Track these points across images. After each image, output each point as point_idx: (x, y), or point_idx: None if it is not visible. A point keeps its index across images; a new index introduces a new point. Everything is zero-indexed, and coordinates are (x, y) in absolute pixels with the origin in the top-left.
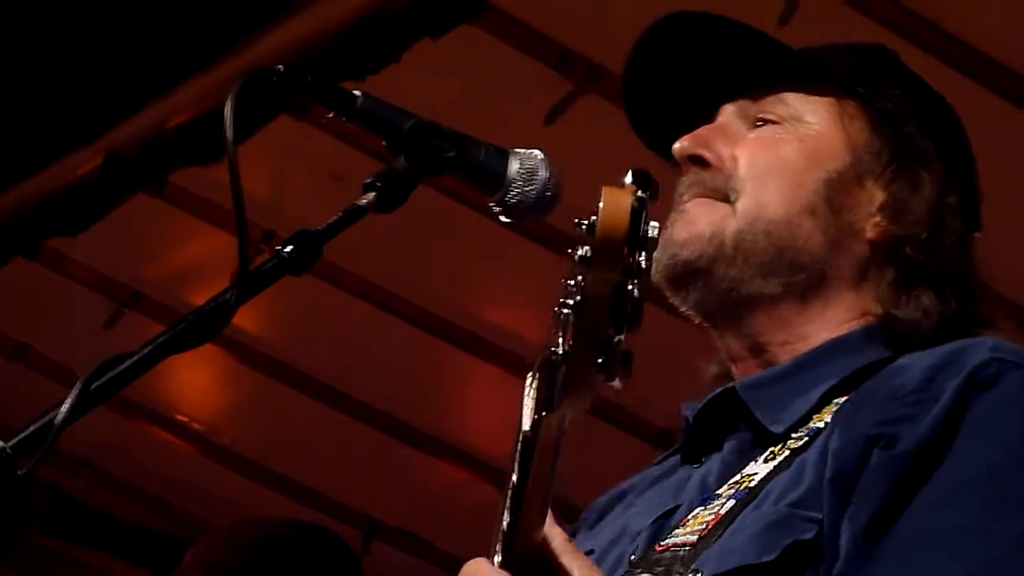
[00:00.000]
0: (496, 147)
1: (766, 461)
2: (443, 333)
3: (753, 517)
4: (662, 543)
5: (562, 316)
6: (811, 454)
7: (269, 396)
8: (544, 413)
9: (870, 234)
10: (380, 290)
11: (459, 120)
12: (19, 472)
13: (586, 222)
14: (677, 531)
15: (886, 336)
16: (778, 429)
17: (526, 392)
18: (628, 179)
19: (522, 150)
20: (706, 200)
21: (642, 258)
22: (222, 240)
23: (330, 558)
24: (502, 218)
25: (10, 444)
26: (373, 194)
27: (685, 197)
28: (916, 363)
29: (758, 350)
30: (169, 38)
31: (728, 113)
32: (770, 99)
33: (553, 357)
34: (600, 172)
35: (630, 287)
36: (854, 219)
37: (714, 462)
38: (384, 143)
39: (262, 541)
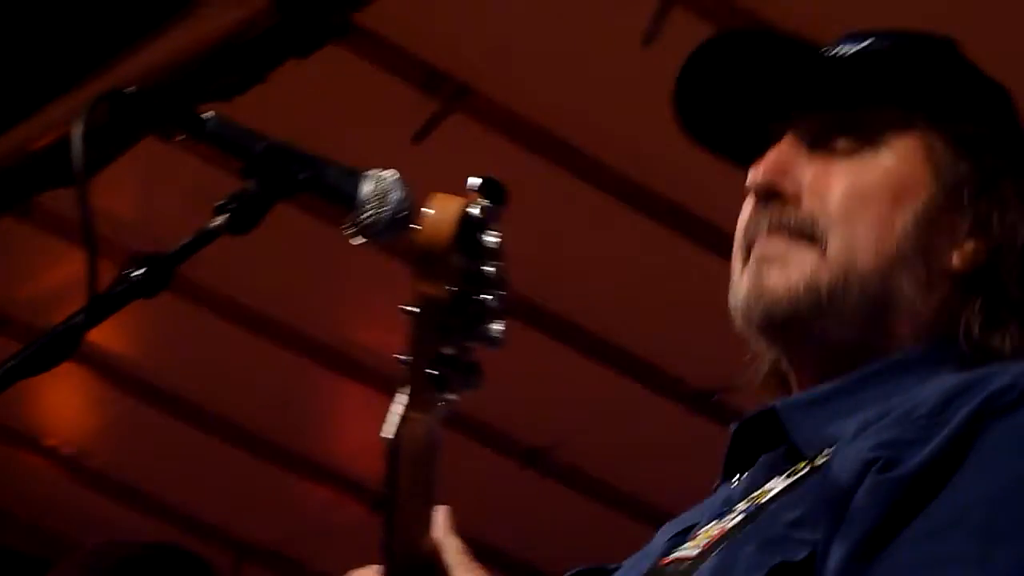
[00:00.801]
0: (349, 168)
1: (787, 477)
2: (314, 353)
3: (751, 535)
4: (669, 556)
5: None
6: (821, 472)
7: (140, 418)
8: (401, 424)
9: (957, 267)
10: (250, 311)
11: (326, 141)
12: None
13: (416, 227)
14: (686, 544)
15: (958, 360)
16: (811, 452)
17: (395, 399)
18: (472, 185)
19: (375, 171)
20: (791, 243)
21: (488, 268)
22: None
23: None
24: (355, 239)
25: None
26: (225, 216)
27: (766, 233)
28: (939, 385)
29: (828, 379)
30: (34, 59)
31: (798, 135)
32: (845, 123)
33: (402, 365)
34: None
35: (459, 294)
36: (943, 256)
37: (745, 478)
38: (237, 165)
39: (117, 564)
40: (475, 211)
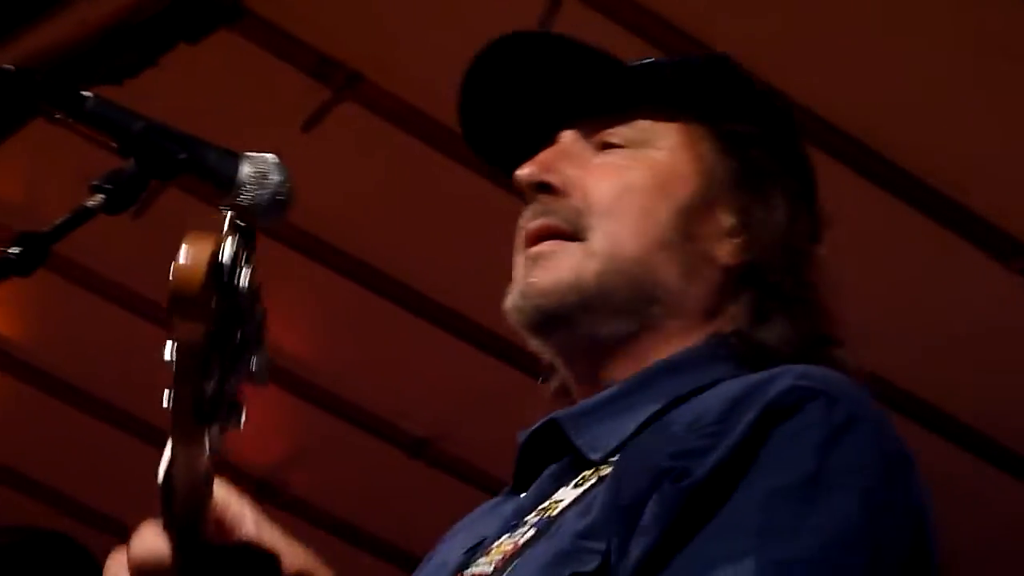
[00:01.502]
0: (228, 151)
1: (575, 487)
2: None
3: (543, 548)
4: (464, 572)
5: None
6: (608, 480)
7: (23, 401)
8: (170, 462)
9: (724, 260)
10: (133, 293)
11: (216, 126)
12: None
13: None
14: (480, 560)
15: (735, 356)
16: (595, 456)
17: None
18: (225, 224)
19: (255, 154)
20: (558, 243)
21: (238, 303)
22: None
23: (63, 562)
24: (237, 221)
25: None
26: (102, 196)
27: (533, 228)
28: (724, 391)
29: (607, 380)
30: None
31: (572, 136)
32: (617, 122)
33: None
34: (356, 179)
35: (216, 333)
36: (707, 247)
37: (533, 489)
38: (114, 145)
39: None
40: (227, 250)
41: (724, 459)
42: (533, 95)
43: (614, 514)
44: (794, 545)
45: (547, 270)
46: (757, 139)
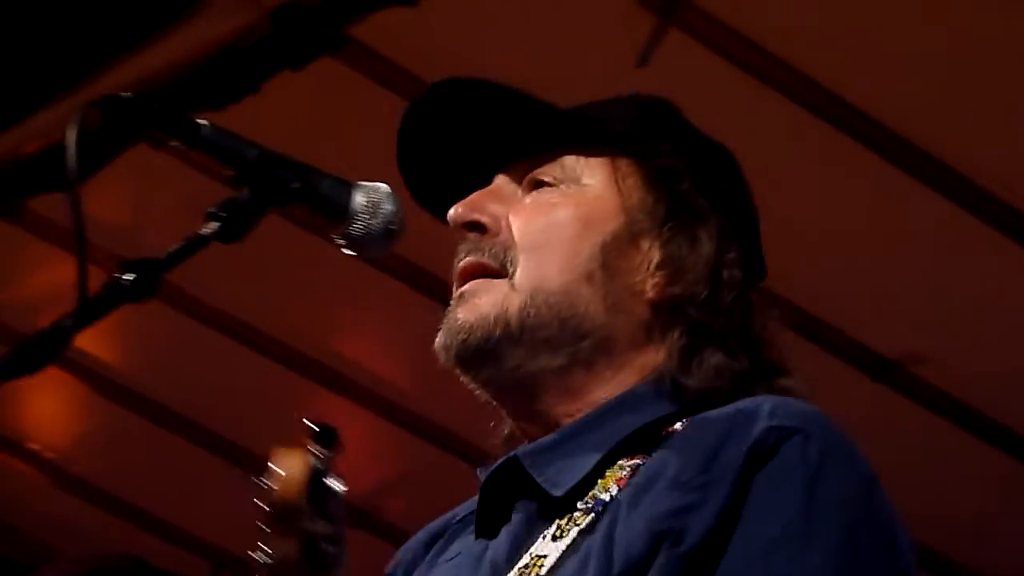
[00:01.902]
0: (341, 179)
1: (554, 539)
2: (297, 365)
3: None
4: None
5: (258, 565)
6: (596, 539)
7: (123, 426)
8: None
9: (650, 294)
10: (236, 321)
11: (317, 152)
12: None
13: (263, 483)
14: None
15: (675, 392)
16: (558, 493)
17: None
18: (308, 431)
19: (367, 183)
20: (484, 280)
21: (329, 511)
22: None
23: None
24: (345, 250)
25: None
26: (216, 224)
27: (461, 266)
28: (698, 438)
29: (548, 422)
30: (27, 64)
31: (503, 178)
32: (547, 161)
33: None
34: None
35: (315, 538)
36: (632, 281)
37: (503, 537)
38: (229, 173)
39: None
40: (319, 463)
41: (717, 516)
42: (469, 140)
43: None
44: None
45: (471, 307)
46: (685, 175)
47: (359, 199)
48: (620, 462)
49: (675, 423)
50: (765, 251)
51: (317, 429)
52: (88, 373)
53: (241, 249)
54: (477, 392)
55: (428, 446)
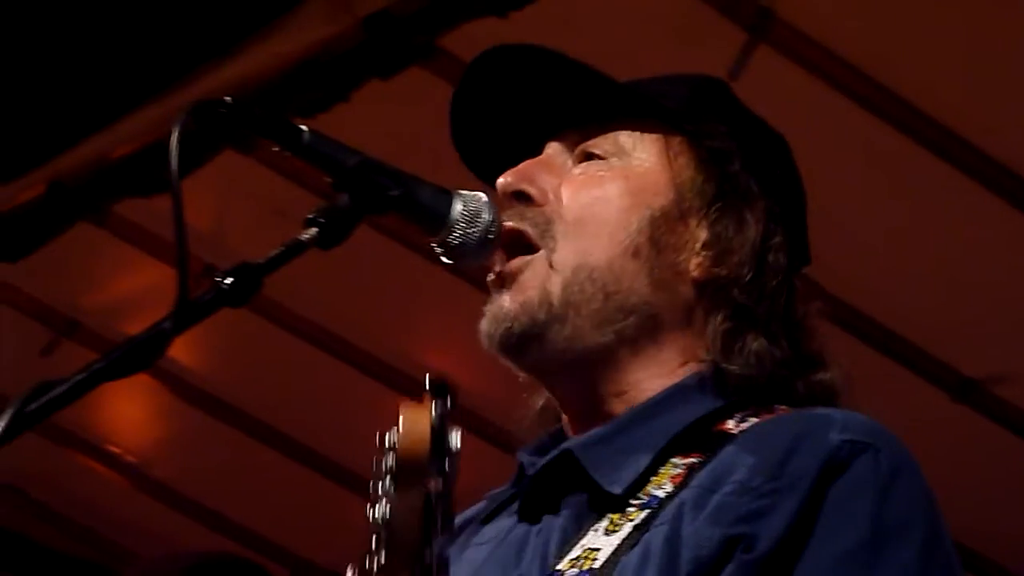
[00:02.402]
0: (441, 188)
1: (607, 533)
2: (380, 375)
3: None
4: None
5: (374, 524)
6: (656, 537)
7: (203, 431)
8: None
9: (695, 273)
10: (319, 328)
11: (406, 161)
12: None
13: (387, 439)
14: None
15: (718, 384)
16: (616, 490)
17: None
18: (427, 389)
19: (467, 192)
20: (523, 260)
21: (447, 467)
22: (163, 272)
23: None
24: (443, 259)
25: None
26: (315, 230)
27: (503, 231)
28: (765, 443)
29: (595, 402)
30: (117, 68)
31: (555, 147)
32: (599, 134)
33: (368, 569)
34: None
35: (435, 497)
36: (678, 259)
37: (552, 527)
38: (328, 179)
39: (187, 572)
40: (440, 418)
41: (789, 525)
42: (522, 107)
43: None
44: None
45: (514, 292)
46: (737, 157)
47: (458, 208)
48: (673, 459)
49: (726, 420)
50: (848, 267)
51: (436, 385)
52: (170, 377)
53: (325, 255)
54: (522, 378)
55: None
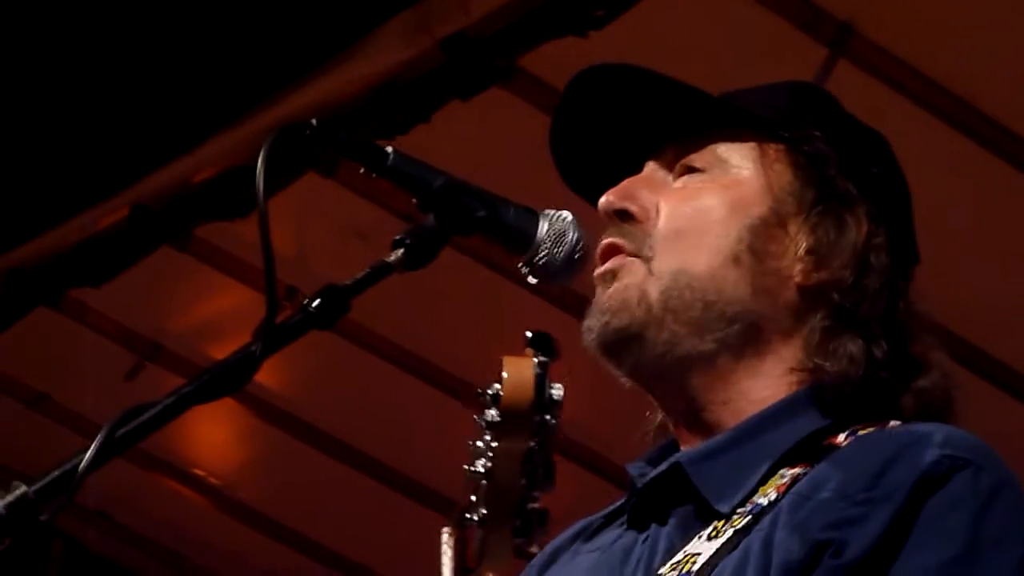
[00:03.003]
0: (526, 208)
1: (710, 539)
2: (462, 394)
3: None
4: None
5: (474, 479)
6: (754, 541)
7: (286, 452)
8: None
9: (797, 279)
10: (399, 349)
11: (487, 183)
12: (41, 518)
13: (490, 391)
14: None
15: (819, 395)
16: (724, 508)
17: (443, 549)
18: (528, 342)
19: (552, 211)
20: (623, 256)
21: (548, 418)
22: (245, 296)
23: None
24: (530, 279)
25: (33, 489)
26: (401, 251)
27: (601, 247)
28: (865, 454)
29: (697, 410)
30: (198, 92)
31: (654, 165)
32: (696, 147)
33: (469, 520)
34: None
35: (537, 446)
36: (780, 265)
37: (659, 536)
38: (414, 200)
39: None
40: (542, 369)
41: (881, 534)
42: (620, 126)
43: None
44: None
45: (615, 289)
46: (834, 160)
47: (544, 227)
48: (781, 471)
49: (837, 435)
50: (931, 285)
51: (537, 337)
52: (252, 399)
53: (407, 276)
54: (627, 383)
55: (593, 476)
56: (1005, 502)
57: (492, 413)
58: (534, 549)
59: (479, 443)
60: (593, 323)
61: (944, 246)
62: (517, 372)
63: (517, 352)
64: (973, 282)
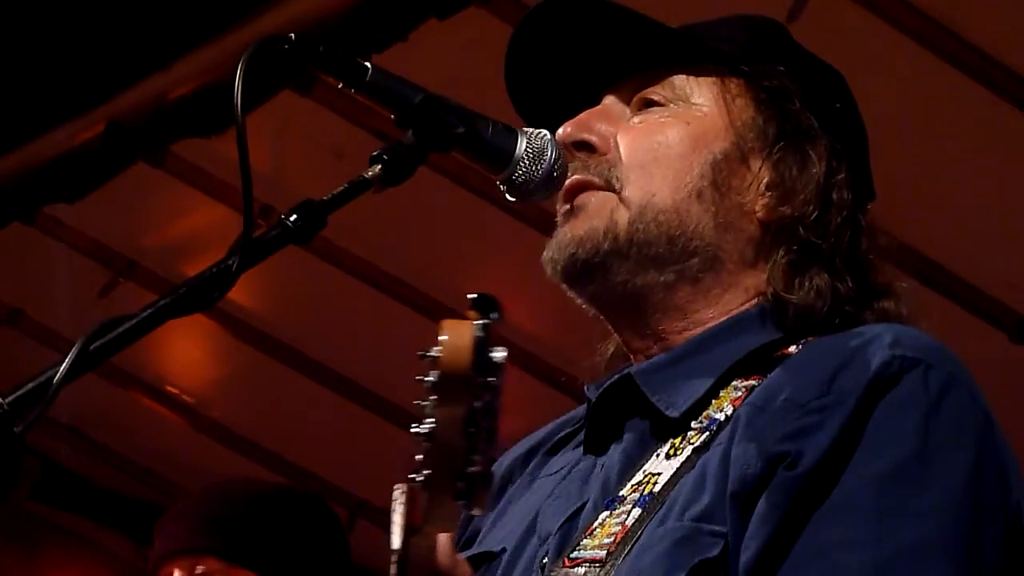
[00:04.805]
0: (506, 126)
1: (668, 457)
2: (436, 314)
3: (660, 534)
4: (571, 556)
5: (418, 440)
6: (712, 457)
7: (260, 371)
8: (411, 535)
9: (760, 214)
10: (376, 270)
11: (463, 102)
12: (15, 430)
13: (431, 354)
14: (585, 541)
15: (780, 316)
16: (674, 414)
17: (394, 508)
18: (470, 304)
19: (530, 129)
20: (592, 193)
21: (491, 380)
22: (220, 213)
23: (317, 520)
24: (508, 196)
25: (7, 400)
26: (379, 167)
27: (568, 183)
28: (817, 360)
29: (655, 339)
30: (173, 9)
31: (612, 98)
32: (656, 81)
33: (415, 482)
34: None
35: (479, 410)
36: (743, 200)
37: (615, 454)
38: (392, 117)
39: (251, 497)
40: (483, 332)
41: (832, 442)
42: (577, 58)
43: (730, 500)
44: (911, 528)
45: (581, 219)
46: (796, 96)
47: (523, 145)
48: (734, 383)
49: (788, 347)
50: (907, 209)
51: (479, 299)
52: (227, 317)
53: (379, 196)
54: (584, 307)
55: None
56: (956, 400)
57: (432, 376)
58: (475, 512)
59: (425, 404)
60: (557, 255)
61: (917, 171)
62: (456, 335)
63: (493, 275)
64: (947, 205)
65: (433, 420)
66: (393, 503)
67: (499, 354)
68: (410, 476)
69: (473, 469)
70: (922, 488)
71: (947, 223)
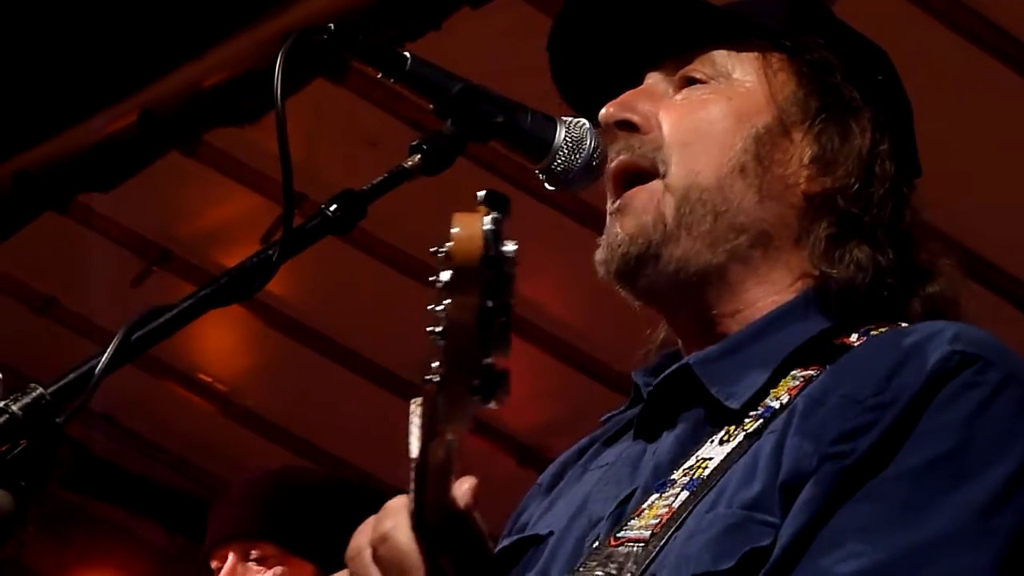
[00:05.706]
0: (544, 115)
1: (721, 443)
2: None
3: (709, 520)
4: (618, 535)
5: (432, 341)
6: (765, 444)
7: (293, 360)
8: (430, 440)
9: (803, 187)
10: (408, 257)
11: (498, 90)
12: (57, 420)
13: (443, 250)
14: (632, 522)
15: (826, 298)
16: (735, 405)
17: (411, 418)
18: (480, 200)
19: (569, 118)
20: (638, 189)
21: (502, 273)
22: (253, 202)
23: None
24: (547, 185)
25: (50, 391)
26: (419, 156)
27: (614, 167)
28: (877, 356)
29: (709, 323)
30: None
31: (655, 77)
32: (697, 58)
33: (429, 384)
34: None
35: (492, 305)
36: (786, 173)
37: (668, 441)
38: (431, 106)
39: (310, 487)
40: (494, 225)
41: (883, 433)
42: (619, 39)
43: (780, 492)
44: (931, 524)
45: (630, 216)
46: (837, 68)
47: (561, 134)
48: (793, 372)
49: (850, 335)
50: (938, 193)
51: (489, 195)
52: (259, 306)
53: (412, 184)
54: (638, 305)
55: (598, 386)
56: (1010, 400)
57: (444, 274)
58: (492, 406)
59: (437, 307)
60: (609, 255)
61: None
62: (467, 226)
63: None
64: (978, 192)
65: (446, 317)
66: (411, 415)
67: (510, 247)
68: (425, 378)
69: (488, 361)
70: (952, 487)
71: (985, 211)
